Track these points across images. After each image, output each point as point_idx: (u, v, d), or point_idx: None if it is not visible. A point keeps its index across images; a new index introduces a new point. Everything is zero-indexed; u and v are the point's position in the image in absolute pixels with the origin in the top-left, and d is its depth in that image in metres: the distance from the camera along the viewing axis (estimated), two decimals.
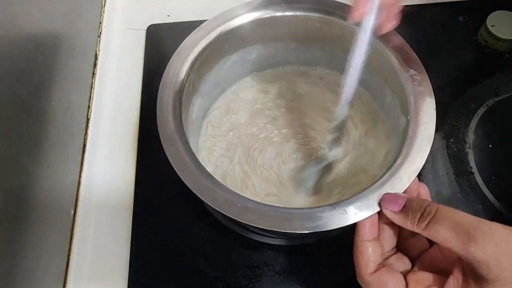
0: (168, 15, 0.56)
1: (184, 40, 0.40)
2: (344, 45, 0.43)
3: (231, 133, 0.46)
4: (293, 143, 0.45)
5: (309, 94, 0.48)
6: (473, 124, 0.47)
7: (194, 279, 0.40)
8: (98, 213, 0.44)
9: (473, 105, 0.48)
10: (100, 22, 0.56)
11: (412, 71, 0.38)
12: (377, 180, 0.33)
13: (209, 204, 0.32)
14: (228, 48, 0.43)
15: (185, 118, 0.38)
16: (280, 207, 0.32)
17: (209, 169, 0.37)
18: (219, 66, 0.44)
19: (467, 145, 0.46)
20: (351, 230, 0.42)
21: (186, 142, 0.35)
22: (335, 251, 0.41)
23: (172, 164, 0.33)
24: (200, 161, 0.34)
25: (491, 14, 0.51)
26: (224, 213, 0.31)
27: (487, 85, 0.49)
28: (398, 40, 0.39)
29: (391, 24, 0.34)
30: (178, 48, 0.39)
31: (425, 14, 0.55)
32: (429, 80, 0.37)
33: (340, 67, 0.47)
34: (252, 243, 0.42)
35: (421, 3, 0.56)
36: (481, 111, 0.48)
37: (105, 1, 0.58)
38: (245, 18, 0.41)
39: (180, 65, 0.38)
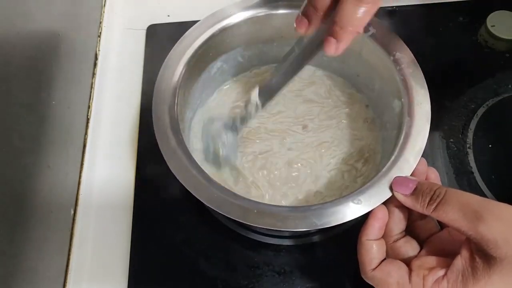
0: (168, 15, 0.56)
1: (171, 51, 0.40)
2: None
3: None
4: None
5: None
6: (473, 124, 0.47)
7: (194, 279, 0.40)
8: (98, 213, 0.44)
9: (473, 105, 0.48)
10: (100, 22, 0.56)
11: (398, 54, 0.38)
12: (384, 165, 0.33)
13: (228, 216, 0.32)
14: (215, 52, 0.43)
15: (182, 130, 0.38)
16: (294, 206, 0.32)
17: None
18: (207, 72, 0.44)
19: (467, 145, 0.46)
20: (351, 229, 0.42)
21: (187, 152, 0.35)
22: (335, 251, 0.41)
23: (179, 179, 0.33)
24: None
25: (491, 14, 0.51)
26: (242, 221, 0.31)
27: (487, 85, 0.49)
28: (381, 26, 0.40)
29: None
30: (166, 59, 0.39)
31: (425, 14, 0.55)
32: (416, 61, 0.38)
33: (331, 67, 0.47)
34: (252, 243, 0.42)
35: (421, 3, 0.56)
36: (481, 111, 0.48)
37: (105, 1, 0.58)
38: (235, 19, 0.41)
39: (170, 76, 0.38)
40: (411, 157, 0.33)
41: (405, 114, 0.36)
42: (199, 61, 0.41)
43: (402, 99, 0.37)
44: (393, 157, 0.33)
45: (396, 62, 0.38)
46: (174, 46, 0.40)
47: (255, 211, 0.31)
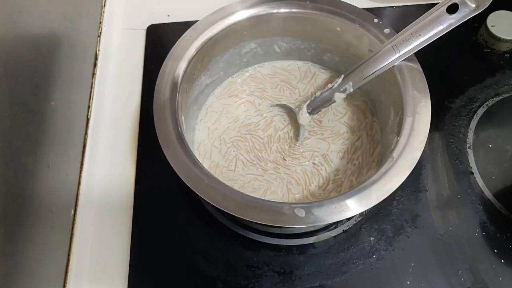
0: (168, 15, 0.56)
1: (204, 17, 0.41)
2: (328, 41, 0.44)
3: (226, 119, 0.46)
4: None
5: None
6: (473, 124, 0.47)
7: (194, 279, 0.40)
8: (98, 213, 0.44)
9: (473, 105, 0.48)
10: (100, 22, 0.56)
11: (415, 93, 0.37)
12: (344, 192, 0.33)
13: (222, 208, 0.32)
14: (245, 35, 0.44)
15: (184, 97, 0.39)
16: (279, 202, 0.33)
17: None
18: (237, 48, 0.45)
19: (467, 145, 0.46)
20: (350, 229, 0.42)
21: (180, 132, 0.35)
22: (334, 251, 0.41)
23: (163, 149, 0.34)
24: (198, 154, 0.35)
25: (491, 14, 0.51)
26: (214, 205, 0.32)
27: (487, 85, 0.50)
28: (412, 61, 0.39)
29: None
30: (197, 22, 0.41)
31: None
32: (430, 106, 0.36)
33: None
34: (252, 243, 0.42)
35: (421, 3, 0.56)
36: (481, 111, 0.48)
37: (105, 1, 0.58)
38: (247, 13, 0.42)
39: (191, 41, 0.39)
40: (374, 195, 0.32)
41: (392, 153, 0.34)
42: (229, 35, 0.42)
43: (398, 138, 0.35)
44: (357, 189, 0.33)
45: (411, 100, 0.37)
46: (209, 14, 0.41)
47: (221, 191, 0.32)
